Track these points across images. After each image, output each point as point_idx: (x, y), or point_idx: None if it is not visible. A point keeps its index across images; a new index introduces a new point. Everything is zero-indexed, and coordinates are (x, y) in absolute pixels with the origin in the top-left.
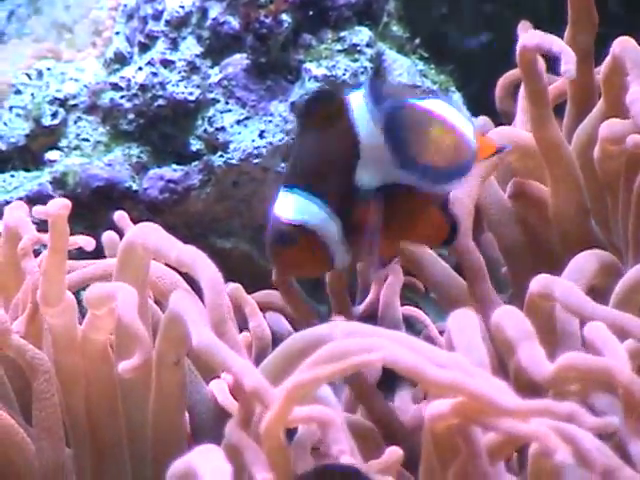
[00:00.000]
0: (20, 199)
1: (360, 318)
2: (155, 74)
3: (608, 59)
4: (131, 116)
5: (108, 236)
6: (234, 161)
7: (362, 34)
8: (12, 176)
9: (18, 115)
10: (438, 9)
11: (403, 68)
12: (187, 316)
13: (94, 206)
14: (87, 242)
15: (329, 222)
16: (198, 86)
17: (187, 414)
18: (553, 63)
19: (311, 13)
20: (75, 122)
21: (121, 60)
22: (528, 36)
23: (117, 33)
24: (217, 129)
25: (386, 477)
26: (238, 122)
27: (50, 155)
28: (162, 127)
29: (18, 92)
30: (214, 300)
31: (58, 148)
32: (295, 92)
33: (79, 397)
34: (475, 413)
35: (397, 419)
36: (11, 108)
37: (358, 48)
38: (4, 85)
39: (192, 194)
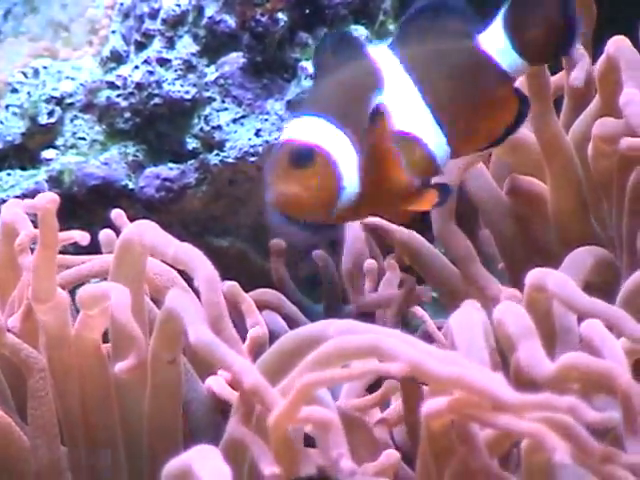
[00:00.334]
0: (16, 197)
1: (357, 315)
2: (151, 73)
3: (603, 58)
4: (127, 115)
5: (105, 234)
6: (230, 160)
7: (358, 32)
8: (8, 174)
9: (14, 114)
10: None
11: None
12: (184, 314)
13: (90, 205)
14: (82, 237)
15: (348, 148)
16: (194, 85)
17: (182, 412)
18: None
19: (307, 11)
20: (71, 121)
21: (117, 59)
22: None
23: (113, 32)
24: (213, 127)
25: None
26: (234, 121)
27: (46, 154)
28: (158, 126)
29: (14, 91)
30: (211, 297)
31: (54, 147)
32: (291, 90)
33: (73, 395)
34: (472, 409)
35: None
36: (7, 107)
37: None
38: (0, 84)
39: (188, 193)
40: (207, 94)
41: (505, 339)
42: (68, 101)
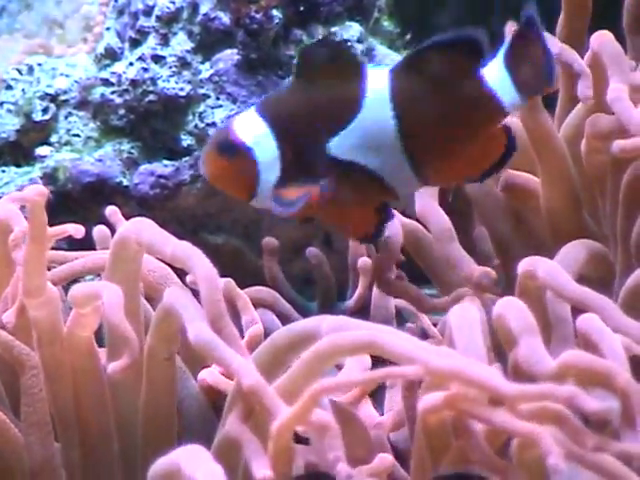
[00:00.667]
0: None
1: (352, 312)
2: (146, 69)
3: (588, 54)
4: (122, 111)
5: (100, 230)
6: None
7: (353, 29)
8: (3, 171)
9: (9, 110)
10: (429, 4)
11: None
12: (183, 311)
13: (85, 202)
14: (76, 230)
15: (274, 163)
16: (189, 81)
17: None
18: None
19: (302, 8)
20: (66, 117)
21: (112, 55)
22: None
23: (108, 29)
24: (208, 124)
25: None
26: (229, 117)
27: (41, 150)
28: (153, 122)
29: (9, 87)
30: (211, 296)
31: (49, 143)
32: None
33: (66, 392)
34: (469, 404)
35: None
36: (2, 103)
37: (349, 43)
38: None
39: (183, 189)
40: (202, 91)
41: (505, 333)
42: (62, 98)
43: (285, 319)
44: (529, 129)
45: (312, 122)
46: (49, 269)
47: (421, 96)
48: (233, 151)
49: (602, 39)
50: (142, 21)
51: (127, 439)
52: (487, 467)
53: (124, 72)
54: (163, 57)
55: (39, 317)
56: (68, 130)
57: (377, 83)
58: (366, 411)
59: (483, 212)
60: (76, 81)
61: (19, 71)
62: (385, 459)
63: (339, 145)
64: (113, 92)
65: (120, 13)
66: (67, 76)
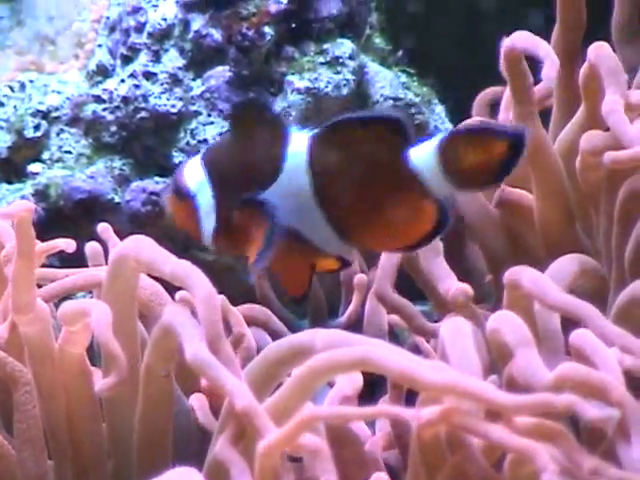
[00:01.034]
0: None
1: (344, 329)
2: (137, 86)
3: (585, 66)
4: (113, 128)
5: (92, 247)
6: None
7: (344, 46)
8: None
9: (0, 127)
10: (420, 21)
11: (386, 80)
12: (182, 330)
13: (77, 218)
14: (68, 244)
15: (211, 212)
16: (180, 98)
17: None
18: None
19: (293, 25)
20: (57, 134)
21: (103, 72)
22: (516, 36)
23: (99, 45)
24: (199, 141)
25: None
26: (220, 134)
27: (32, 167)
28: (144, 139)
29: (0, 104)
30: (210, 316)
31: (41, 160)
32: (278, 105)
33: (59, 409)
34: (465, 418)
35: None
36: None
37: (341, 60)
38: None
39: None
40: (193, 108)
41: (499, 347)
42: (54, 115)
43: (277, 336)
44: None
45: (241, 178)
46: (40, 287)
47: (339, 164)
48: (181, 195)
49: (599, 51)
50: (134, 38)
51: (122, 456)
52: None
53: (116, 89)
54: (155, 74)
55: (29, 334)
56: (60, 147)
57: (297, 148)
58: (358, 426)
59: (477, 228)
60: (68, 98)
61: (11, 88)
62: (380, 478)
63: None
64: (105, 109)
65: (112, 30)
66: (59, 93)
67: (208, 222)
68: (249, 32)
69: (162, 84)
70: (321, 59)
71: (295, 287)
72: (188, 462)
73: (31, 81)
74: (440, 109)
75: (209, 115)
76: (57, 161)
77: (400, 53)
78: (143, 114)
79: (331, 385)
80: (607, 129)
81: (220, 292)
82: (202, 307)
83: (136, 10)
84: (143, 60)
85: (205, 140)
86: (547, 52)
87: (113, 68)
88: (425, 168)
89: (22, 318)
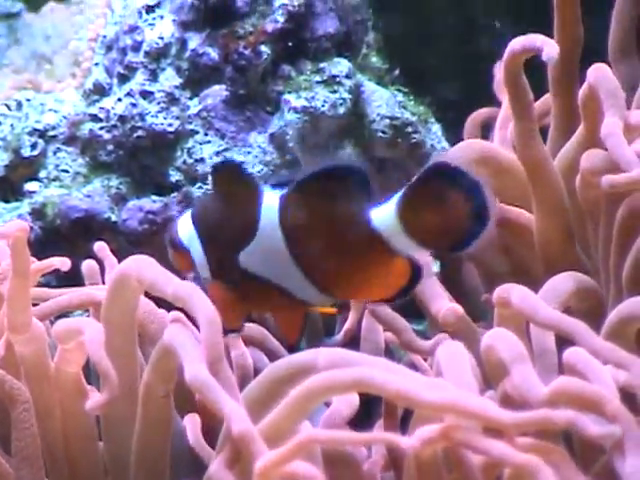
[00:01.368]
0: None
1: (341, 346)
2: (134, 105)
3: (584, 86)
4: (110, 147)
5: (88, 265)
6: None
7: (341, 65)
8: None
9: None
10: (417, 40)
11: (382, 99)
12: (182, 351)
13: (73, 237)
14: (62, 263)
15: (204, 267)
16: (177, 117)
17: None
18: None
19: (290, 44)
20: (54, 153)
21: (100, 91)
22: (514, 42)
23: (96, 64)
24: (196, 160)
25: None
26: (217, 153)
27: (29, 186)
28: (141, 158)
29: None
30: (211, 338)
31: (37, 179)
32: (274, 123)
33: (55, 428)
34: (466, 435)
35: None
36: None
37: (337, 79)
38: None
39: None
40: (190, 127)
41: (494, 364)
42: (51, 133)
43: (274, 356)
44: (523, 154)
45: (224, 235)
46: (35, 305)
47: (307, 222)
48: (177, 247)
49: (599, 72)
50: (130, 57)
51: (119, 475)
52: None
53: (112, 108)
54: (151, 93)
55: (25, 353)
56: (57, 166)
57: (269, 207)
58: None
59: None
60: (65, 117)
61: (7, 106)
62: None
63: (246, 259)
64: (102, 128)
65: (108, 49)
66: (56, 112)
67: (204, 273)
68: (246, 51)
69: (159, 103)
70: (318, 78)
71: (288, 334)
72: None
73: (28, 100)
74: (437, 128)
75: (206, 134)
76: (54, 180)
77: (397, 72)
78: (140, 133)
79: (327, 404)
80: (607, 149)
81: None
82: (204, 329)
83: (133, 29)
84: (140, 79)
85: (202, 159)
86: (544, 40)
87: (110, 87)
88: (386, 229)
89: (18, 338)
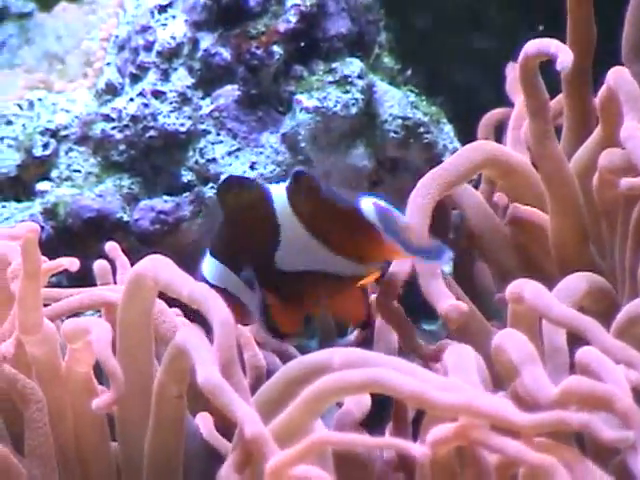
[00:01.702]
0: None
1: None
2: (146, 105)
3: (603, 88)
4: (122, 147)
5: (100, 265)
6: None
7: (353, 65)
8: (3, 206)
9: (9, 146)
10: (430, 40)
11: (394, 100)
12: (195, 353)
13: (85, 237)
14: (71, 263)
15: (246, 290)
16: (189, 117)
17: None
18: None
19: (302, 44)
20: (66, 153)
21: (112, 91)
22: (528, 44)
23: (108, 64)
24: (208, 160)
25: None
26: (229, 153)
27: (41, 186)
28: (153, 158)
29: (9, 123)
30: (225, 342)
31: (49, 179)
32: (286, 123)
33: (67, 428)
34: (481, 434)
35: None
36: (2, 139)
37: (349, 79)
38: None
39: (183, 225)
40: (202, 127)
41: (505, 365)
42: (63, 133)
43: (286, 357)
44: (539, 160)
45: (253, 251)
46: (45, 306)
47: (317, 203)
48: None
49: (618, 75)
50: (143, 56)
51: (133, 476)
52: None
53: (124, 108)
54: (163, 93)
55: (37, 354)
56: (68, 165)
57: (280, 203)
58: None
59: (489, 246)
60: (77, 116)
61: (20, 106)
62: None
63: (282, 261)
64: (113, 128)
65: (121, 48)
66: (67, 111)
67: (252, 304)
68: (258, 51)
69: (171, 103)
70: (330, 78)
71: (357, 315)
72: None
73: (40, 100)
74: (449, 128)
75: (218, 134)
76: (66, 180)
77: (409, 72)
78: (152, 133)
79: (340, 405)
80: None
81: None
82: (218, 331)
83: (145, 29)
84: (152, 79)
85: (214, 159)
86: (558, 46)
87: (122, 87)
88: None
89: (29, 338)
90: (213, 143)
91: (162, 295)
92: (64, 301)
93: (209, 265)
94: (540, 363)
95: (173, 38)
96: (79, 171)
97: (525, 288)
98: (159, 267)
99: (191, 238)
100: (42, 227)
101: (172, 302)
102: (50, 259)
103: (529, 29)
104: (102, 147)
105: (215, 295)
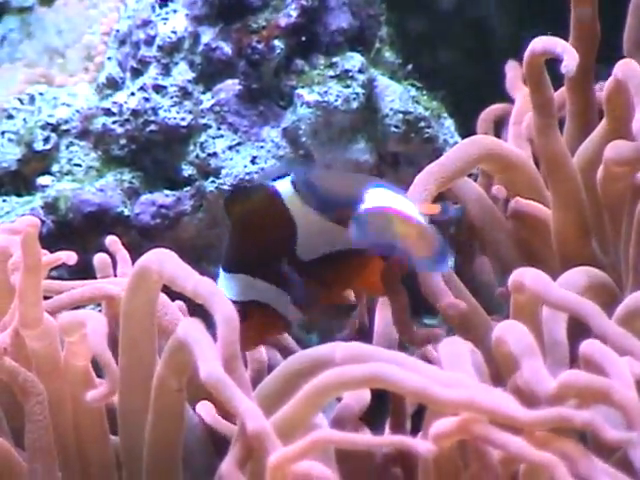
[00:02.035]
0: None
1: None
2: (147, 99)
3: (611, 80)
4: (123, 141)
5: (100, 258)
6: (226, 187)
7: (354, 60)
8: (4, 201)
9: (10, 140)
10: (431, 35)
11: (395, 94)
12: (196, 347)
13: (86, 231)
14: (69, 257)
15: (276, 293)
16: (190, 112)
17: None
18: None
19: (303, 39)
20: (67, 147)
21: (113, 85)
22: (535, 42)
23: (109, 58)
24: (209, 155)
25: None
26: (230, 148)
27: (42, 180)
28: (154, 152)
29: (10, 117)
30: (228, 336)
31: (50, 173)
32: (287, 118)
33: (66, 422)
34: (483, 429)
35: None
36: (3, 133)
37: (350, 74)
38: None
39: (184, 220)
40: (203, 121)
41: (504, 357)
42: (64, 127)
43: (286, 352)
44: (542, 149)
45: (274, 251)
46: (46, 298)
47: (321, 187)
48: (244, 316)
49: (628, 67)
50: (143, 51)
51: (134, 468)
52: None
53: (125, 102)
54: (164, 87)
55: (37, 348)
56: (69, 160)
57: (288, 196)
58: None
59: (490, 240)
60: (77, 111)
61: (20, 100)
62: None
63: (303, 251)
64: (114, 122)
65: (122, 43)
66: (68, 106)
67: (283, 303)
68: (259, 45)
69: (172, 97)
70: (331, 72)
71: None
72: (197, 476)
73: (41, 94)
74: (449, 123)
75: (219, 128)
76: (66, 174)
77: (410, 67)
78: (153, 127)
79: (339, 399)
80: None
81: None
82: (222, 327)
83: (146, 23)
84: (153, 73)
85: (215, 153)
86: (564, 47)
87: (123, 81)
88: None
89: (29, 333)
90: (214, 137)
91: (164, 288)
92: (65, 294)
93: (227, 283)
94: (540, 356)
95: (174, 32)
96: (80, 165)
97: (526, 275)
98: (164, 260)
99: (192, 232)
100: (43, 221)
101: (175, 295)
102: (51, 253)
103: (532, 25)
104: (103, 141)
105: (219, 290)
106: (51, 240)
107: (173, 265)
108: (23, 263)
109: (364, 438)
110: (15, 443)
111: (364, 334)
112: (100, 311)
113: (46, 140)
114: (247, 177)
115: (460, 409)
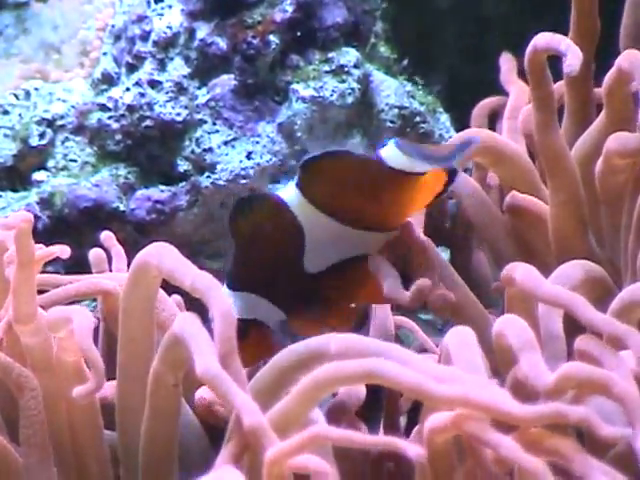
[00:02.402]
0: None
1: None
2: (142, 95)
3: (613, 71)
4: (118, 137)
5: (95, 253)
6: (221, 182)
7: (350, 55)
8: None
9: (5, 135)
10: (426, 30)
11: (391, 89)
12: (193, 342)
13: (81, 227)
14: (62, 251)
15: (276, 313)
16: (185, 107)
17: None
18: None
19: (299, 34)
20: (62, 142)
21: (109, 81)
22: (538, 37)
23: (105, 54)
24: (204, 150)
25: None
26: (225, 143)
27: (37, 175)
28: (149, 148)
29: (5, 112)
30: (225, 332)
31: (45, 168)
32: (283, 113)
33: (61, 417)
34: (476, 426)
35: None
36: None
37: (345, 69)
38: None
39: (179, 215)
40: (198, 116)
41: (504, 351)
42: (59, 123)
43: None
44: (541, 144)
45: (283, 262)
46: (43, 292)
47: (332, 187)
48: (243, 334)
49: (632, 57)
50: (139, 46)
51: (131, 463)
52: None
53: (121, 97)
54: (160, 82)
55: (31, 344)
56: (65, 155)
57: (294, 202)
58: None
59: (486, 234)
60: (73, 106)
61: (16, 96)
62: None
63: (311, 262)
64: (110, 117)
65: (117, 38)
66: (64, 101)
67: (279, 323)
68: (254, 40)
69: (167, 92)
70: (326, 68)
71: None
72: (192, 472)
73: (36, 89)
74: (445, 118)
75: (214, 123)
76: (62, 169)
77: (405, 62)
78: (148, 122)
79: (334, 394)
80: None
81: None
82: (219, 322)
83: (141, 18)
84: (148, 68)
85: (210, 149)
86: (568, 45)
87: (118, 76)
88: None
89: (23, 328)
90: (209, 133)
91: (161, 282)
92: (61, 289)
93: (243, 301)
94: (539, 350)
95: (169, 28)
96: (75, 161)
97: (516, 270)
98: (163, 255)
99: (187, 228)
100: (38, 217)
101: (172, 289)
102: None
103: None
104: (98, 137)
105: (218, 286)
106: (47, 235)
107: (172, 259)
108: (17, 259)
109: (360, 436)
110: (10, 438)
111: (362, 327)
112: (96, 306)
113: (42, 135)
114: (242, 172)
115: (455, 405)
